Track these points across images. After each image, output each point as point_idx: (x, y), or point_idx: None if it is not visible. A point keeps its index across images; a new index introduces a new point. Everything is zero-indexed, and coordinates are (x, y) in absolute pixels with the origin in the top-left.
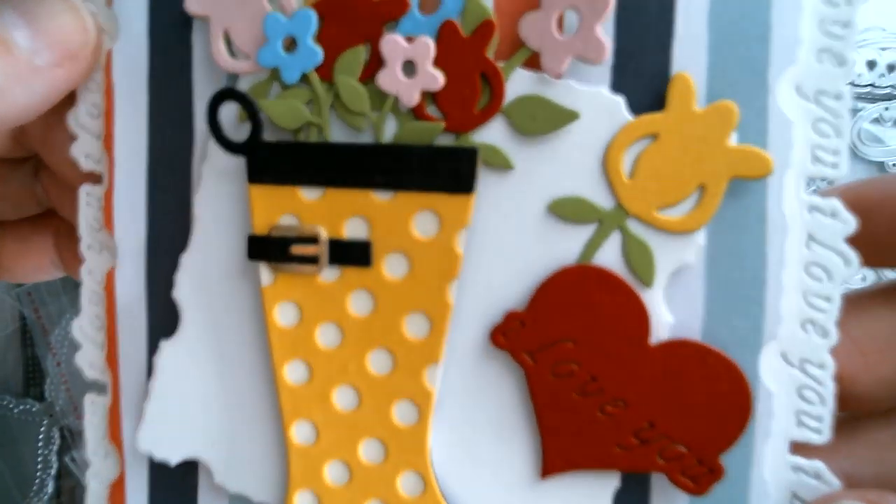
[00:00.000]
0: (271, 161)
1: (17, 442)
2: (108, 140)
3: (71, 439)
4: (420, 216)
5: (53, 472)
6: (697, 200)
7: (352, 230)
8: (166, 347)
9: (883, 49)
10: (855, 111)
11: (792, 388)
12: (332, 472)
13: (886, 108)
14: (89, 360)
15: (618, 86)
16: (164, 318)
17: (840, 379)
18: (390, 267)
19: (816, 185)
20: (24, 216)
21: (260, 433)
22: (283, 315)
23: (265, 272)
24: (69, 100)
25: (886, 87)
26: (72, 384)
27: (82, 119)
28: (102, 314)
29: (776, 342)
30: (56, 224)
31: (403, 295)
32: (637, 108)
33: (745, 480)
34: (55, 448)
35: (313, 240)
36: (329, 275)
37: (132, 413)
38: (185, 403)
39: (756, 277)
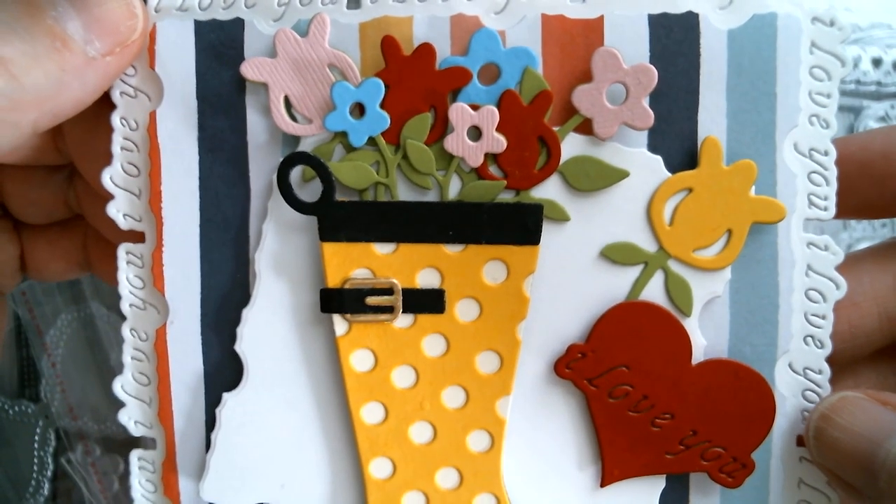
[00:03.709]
0: (345, 220)
1: (12, 444)
2: (155, 200)
3: (67, 441)
4: (490, 265)
5: (49, 473)
6: (726, 242)
7: (424, 280)
8: (230, 399)
9: (889, 46)
10: (860, 109)
11: (798, 391)
12: (409, 502)
13: (892, 106)
14: (135, 418)
15: (653, 147)
16: (222, 372)
17: (839, 324)
18: (462, 311)
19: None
20: (56, 220)
21: (331, 474)
22: (358, 361)
23: (339, 323)
24: (107, 109)
25: (892, 84)
26: (67, 385)
27: (118, 178)
28: (149, 371)
29: (787, 355)
30: (85, 227)
31: (475, 335)
32: (670, 164)
33: (766, 470)
34: (51, 450)
35: (388, 290)
36: (403, 322)
37: (190, 466)
38: (250, 452)
39: (771, 303)
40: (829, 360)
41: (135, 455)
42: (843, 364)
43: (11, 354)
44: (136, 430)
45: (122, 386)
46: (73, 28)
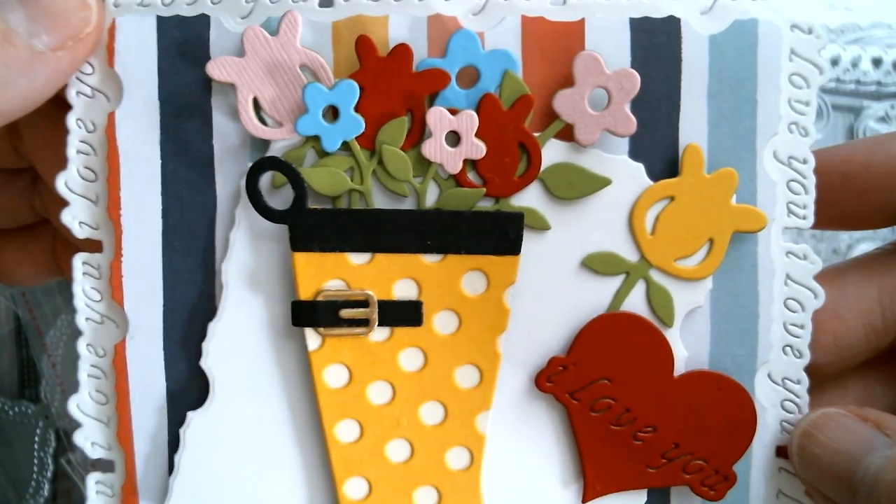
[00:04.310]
0: (318, 229)
1: (12, 444)
2: (113, 207)
3: (67, 441)
4: (469, 276)
5: (49, 474)
6: (707, 251)
7: (401, 291)
8: (195, 418)
9: (889, 46)
10: (860, 109)
11: (777, 401)
12: None
13: (892, 106)
14: (92, 439)
15: (635, 153)
16: (187, 389)
17: (824, 337)
18: (440, 324)
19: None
20: (22, 225)
21: (304, 495)
22: (332, 377)
23: (312, 337)
24: (66, 109)
25: (892, 84)
26: (67, 386)
27: (74, 184)
28: (106, 389)
29: (767, 365)
30: (54, 231)
31: (454, 349)
32: (651, 171)
33: (745, 482)
34: (51, 450)
35: (363, 303)
36: (379, 335)
37: (152, 490)
38: (217, 474)
39: (751, 313)
40: (816, 372)
41: (92, 479)
42: (829, 376)
43: (11, 355)
44: (93, 452)
45: (78, 405)
46: (16, 19)
